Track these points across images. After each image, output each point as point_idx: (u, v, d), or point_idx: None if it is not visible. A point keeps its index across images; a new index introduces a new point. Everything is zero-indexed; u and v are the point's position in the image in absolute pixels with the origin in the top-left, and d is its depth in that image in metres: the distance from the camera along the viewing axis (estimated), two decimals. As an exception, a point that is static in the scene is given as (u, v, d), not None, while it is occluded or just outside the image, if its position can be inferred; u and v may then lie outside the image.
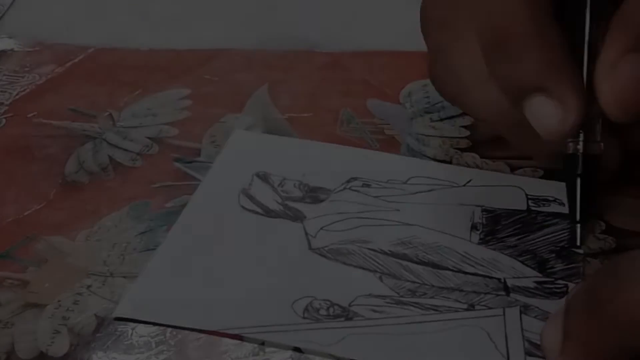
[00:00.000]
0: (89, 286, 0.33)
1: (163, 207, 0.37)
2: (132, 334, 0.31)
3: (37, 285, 0.34)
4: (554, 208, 0.36)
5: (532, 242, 0.35)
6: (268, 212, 0.36)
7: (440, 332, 0.31)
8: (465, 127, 0.42)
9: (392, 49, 0.47)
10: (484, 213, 0.36)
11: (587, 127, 0.32)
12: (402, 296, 0.32)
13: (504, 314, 0.32)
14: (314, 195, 0.37)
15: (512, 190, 0.37)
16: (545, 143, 0.33)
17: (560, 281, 0.33)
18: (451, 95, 0.38)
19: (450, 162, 0.39)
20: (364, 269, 0.33)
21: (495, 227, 0.35)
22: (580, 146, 0.32)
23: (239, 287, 0.33)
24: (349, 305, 0.32)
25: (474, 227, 0.35)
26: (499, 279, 0.33)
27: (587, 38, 0.32)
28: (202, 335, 0.31)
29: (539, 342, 0.29)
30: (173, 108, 0.44)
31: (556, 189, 0.37)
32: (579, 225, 0.33)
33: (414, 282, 0.33)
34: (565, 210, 0.35)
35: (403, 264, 0.34)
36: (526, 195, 0.37)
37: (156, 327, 0.32)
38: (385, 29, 0.49)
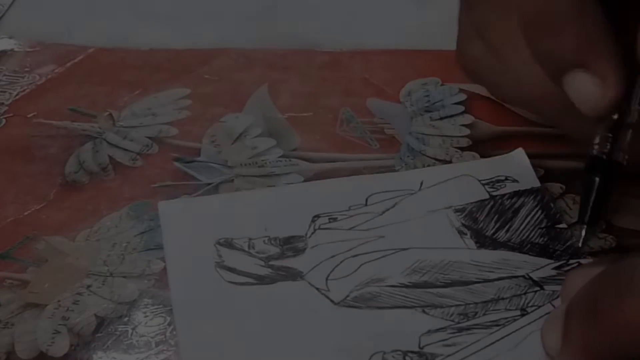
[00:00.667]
0: (88, 286, 0.33)
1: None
2: (132, 334, 0.31)
3: (37, 285, 0.34)
4: (510, 187, 0.37)
5: (519, 229, 0.35)
6: (261, 280, 0.33)
7: (519, 345, 0.30)
8: (465, 125, 0.42)
9: (392, 48, 0.47)
10: (458, 214, 0.36)
11: (616, 136, 0.33)
12: (458, 323, 0.31)
13: (554, 308, 0.32)
14: (291, 246, 0.34)
15: (465, 180, 0.37)
16: (585, 122, 0.33)
17: (571, 260, 0.34)
18: (485, 74, 0.38)
19: (450, 162, 0.39)
20: (400, 307, 0.32)
21: (477, 226, 0.35)
22: (606, 150, 0.33)
23: None
24: (421, 348, 0.30)
25: (461, 233, 0.35)
26: (523, 276, 0.33)
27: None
28: (202, 335, 0.31)
29: None
30: (173, 108, 0.44)
31: (501, 166, 0.38)
32: (584, 227, 0.33)
33: (457, 305, 0.32)
34: (521, 186, 0.37)
35: (433, 292, 0.33)
36: (479, 181, 0.37)
37: (156, 327, 0.32)
38: (385, 29, 0.49)
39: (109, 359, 0.31)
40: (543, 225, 0.35)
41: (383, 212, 0.36)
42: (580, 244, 0.34)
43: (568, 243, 0.34)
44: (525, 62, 0.34)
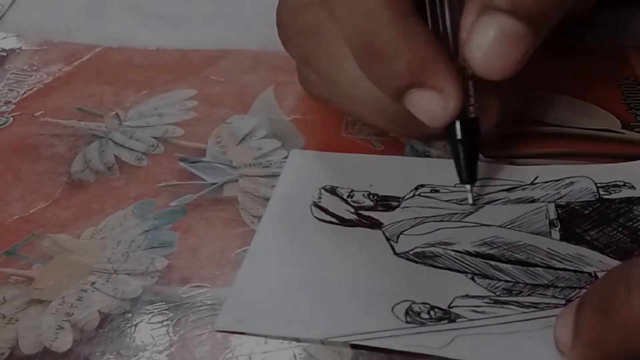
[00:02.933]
0: (93, 283, 0.34)
1: (168, 206, 0.37)
2: (135, 330, 0.32)
3: (42, 282, 0.34)
4: (625, 193, 0.36)
5: (612, 233, 0.35)
6: (344, 222, 0.36)
7: (546, 329, 0.30)
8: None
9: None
10: (558, 209, 0.36)
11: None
12: (499, 296, 0.32)
13: None
14: (385, 203, 0.37)
15: (580, 181, 0.37)
16: (424, 126, 0.35)
17: None
18: (325, 97, 0.40)
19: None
20: (453, 270, 0.33)
21: (572, 222, 0.35)
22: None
23: (334, 295, 0.32)
24: (449, 307, 0.32)
25: (551, 224, 0.35)
26: (589, 273, 0.33)
27: (447, 12, 0.34)
28: (205, 331, 0.31)
29: None
30: (179, 108, 0.44)
31: (623, 173, 0.37)
32: (469, 186, 0.36)
33: (507, 281, 0.33)
34: (637, 193, 0.36)
35: (492, 264, 0.33)
36: (595, 184, 0.37)
37: (159, 323, 0.32)
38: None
39: (111, 355, 0.31)
40: (637, 232, 0.35)
41: (485, 194, 0.37)
42: (471, 202, 0.36)
43: None
44: (354, 82, 0.36)
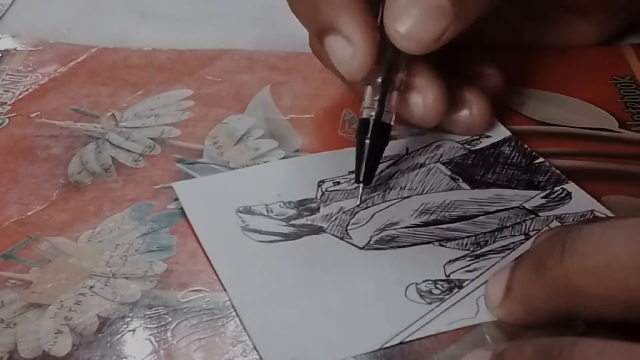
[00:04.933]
0: (91, 287, 0.34)
1: (165, 209, 0.37)
2: (134, 335, 0.32)
3: (40, 285, 0.34)
4: (485, 142, 0.40)
5: (504, 171, 0.38)
6: (287, 237, 0.35)
7: None
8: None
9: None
10: (446, 165, 0.38)
11: (382, 99, 0.36)
12: (474, 251, 0.34)
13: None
14: (306, 207, 0.36)
15: (445, 142, 0.40)
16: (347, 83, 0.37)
17: (555, 188, 0.37)
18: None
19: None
20: (418, 244, 0.34)
21: (466, 172, 0.38)
22: (373, 112, 0.36)
23: (347, 308, 0.32)
24: (448, 276, 0.33)
25: (453, 179, 0.38)
26: (518, 207, 0.36)
27: None
28: (204, 336, 0.31)
29: None
30: (175, 109, 0.44)
31: None
32: (361, 185, 0.36)
33: (468, 236, 0.35)
34: (494, 139, 0.40)
35: (444, 227, 0.35)
36: (457, 142, 0.40)
37: (158, 328, 0.32)
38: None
39: (110, 359, 0.31)
40: (523, 164, 0.38)
41: (380, 173, 0.38)
42: (358, 202, 0.36)
43: (548, 174, 0.38)
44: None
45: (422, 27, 0.33)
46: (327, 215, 0.36)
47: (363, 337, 0.30)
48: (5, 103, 0.45)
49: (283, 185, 0.38)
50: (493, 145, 0.40)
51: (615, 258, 0.26)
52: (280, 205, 0.37)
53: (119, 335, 0.32)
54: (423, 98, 0.37)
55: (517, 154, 0.39)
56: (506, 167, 0.38)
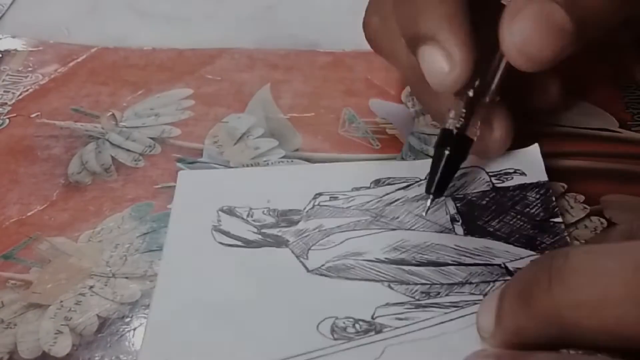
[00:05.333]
0: (91, 287, 0.34)
1: (165, 209, 0.37)
2: (134, 335, 0.32)
3: (40, 285, 0.34)
4: (517, 180, 0.37)
5: (512, 221, 0.35)
6: (248, 244, 0.35)
7: (471, 327, 0.31)
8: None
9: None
10: (456, 202, 0.36)
11: (470, 112, 0.34)
12: (418, 300, 0.32)
13: None
14: (286, 218, 0.36)
15: (473, 171, 0.38)
16: (437, 97, 0.35)
17: None
18: (379, 44, 0.40)
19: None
20: (369, 280, 0.33)
21: (472, 214, 0.36)
22: (458, 124, 0.34)
23: (254, 321, 0.32)
24: (373, 318, 0.32)
25: (453, 220, 0.36)
26: (499, 265, 0.34)
27: None
28: (203, 336, 0.31)
29: None
30: (175, 108, 0.44)
31: (513, 161, 0.38)
32: (430, 197, 0.34)
33: (423, 283, 0.33)
34: (528, 179, 0.37)
35: (405, 269, 0.34)
36: (487, 173, 0.38)
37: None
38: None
39: (111, 359, 0.31)
40: (538, 219, 0.35)
41: (383, 196, 0.37)
42: (425, 213, 0.35)
43: (557, 237, 0.35)
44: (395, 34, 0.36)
45: (541, 45, 0.32)
46: (301, 230, 0.35)
47: (241, 355, 0.30)
48: (6, 103, 0.45)
49: (277, 191, 0.37)
50: (521, 187, 0.37)
51: (609, 291, 0.25)
52: (263, 212, 0.36)
53: (119, 335, 0.32)
54: (489, 128, 0.36)
55: (538, 205, 0.36)
56: (518, 216, 0.36)
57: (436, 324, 0.31)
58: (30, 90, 0.46)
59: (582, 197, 0.37)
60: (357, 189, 0.37)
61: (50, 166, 0.40)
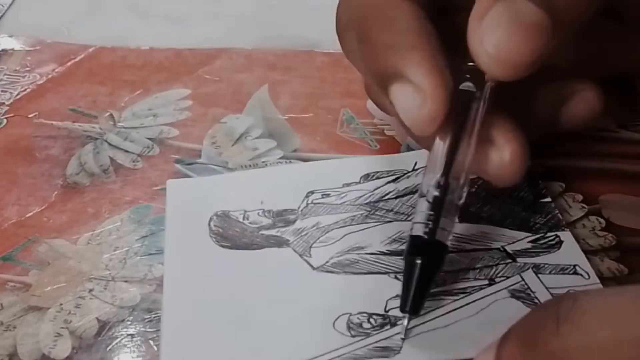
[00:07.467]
0: (90, 290, 0.34)
1: (164, 211, 0.37)
2: (133, 338, 0.32)
3: (39, 288, 0.34)
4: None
5: (503, 205, 0.36)
6: (250, 246, 0.35)
7: (482, 311, 0.31)
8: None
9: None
10: None
11: (438, 214, 0.30)
12: None
13: (522, 279, 0.33)
14: (282, 218, 0.36)
15: None
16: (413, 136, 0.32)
17: (549, 234, 0.35)
18: (361, 67, 0.36)
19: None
20: (375, 273, 0.33)
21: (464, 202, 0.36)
22: (427, 229, 0.30)
23: (268, 325, 0.31)
24: (386, 311, 0.32)
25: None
26: (498, 249, 0.34)
27: None
28: (203, 340, 0.31)
29: None
30: (174, 108, 0.44)
31: None
32: (407, 316, 0.30)
33: None
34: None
35: None
36: None
37: (158, 332, 0.32)
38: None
39: (110, 363, 0.31)
40: (527, 201, 0.36)
41: (374, 190, 0.37)
42: (404, 336, 0.30)
43: (549, 216, 0.35)
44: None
45: (516, 46, 0.28)
46: (299, 229, 0.35)
47: (268, 356, 0.30)
48: (3, 103, 0.45)
49: (269, 192, 0.37)
50: None
51: (623, 332, 0.23)
52: (258, 214, 0.36)
53: (119, 339, 0.32)
54: (499, 154, 0.31)
55: (526, 189, 0.37)
56: (509, 200, 0.36)
57: (449, 312, 0.31)
58: (28, 90, 0.46)
59: (580, 197, 0.37)
60: (348, 184, 0.37)
61: (48, 167, 0.40)
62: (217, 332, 0.31)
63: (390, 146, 0.41)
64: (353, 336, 0.31)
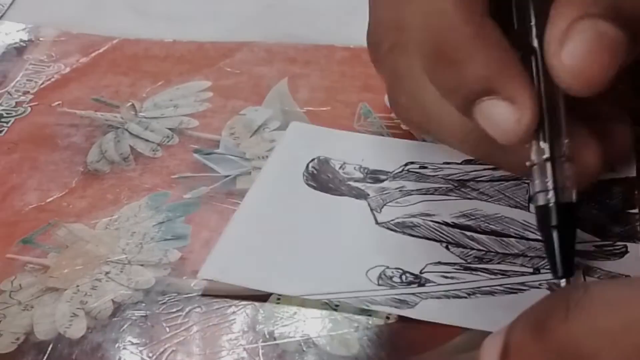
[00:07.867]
0: (107, 273, 0.34)
1: (181, 199, 0.38)
2: (147, 320, 0.32)
3: (57, 270, 0.35)
4: (609, 175, 0.36)
5: (591, 209, 0.35)
6: (332, 191, 0.37)
7: (509, 294, 0.32)
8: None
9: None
10: None
11: (554, 176, 0.30)
12: (469, 263, 0.34)
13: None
14: (374, 176, 0.38)
15: None
16: (508, 151, 0.31)
17: (619, 242, 0.34)
18: (416, 123, 0.37)
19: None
20: (429, 239, 0.35)
21: None
22: (551, 196, 0.30)
23: (313, 257, 0.34)
24: (420, 273, 0.33)
25: (531, 200, 0.35)
26: None
27: (533, 21, 0.30)
28: (215, 323, 0.32)
29: None
30: (194, 100, 0.44)
31: None
32: (563, 280, 0.30)
33: (479, 249, 0.34)
34: (616, 174, 0.36)
35: (467, 234, 0.35)
36: None
37: (171, 314, 0.32)
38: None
39: (123, 342, 0.32)
40: (614, 209, 0.35)
41: (471, 172, 0.38)
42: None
43: (627, 227, 0.34)
44: (435, 102, 0.33)
45: (594, 62, 0.28)
46: (383, 188, 0.37)
47: (293, 283, 0.33)
48: (28, 92, 0.45)
49: (373, 153, 0.39)
50: (611, 181, 0.36)
51: (632, 319, 0.23)
52: (354, 167, 0.38)
53: (133, 320, 0.32)
54: (577, 162, 0.31)
55: (620, 198, 0.36)
56: (593, 204, 0.35)
57: (478, 287, 0.32)
58: (53, 79, 0.46)
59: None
60: (448, 163, 0.38)
61: (70, 154, 0.41)
62: (265, 248, 0.35)
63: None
64: (379, 285, 0.33)
